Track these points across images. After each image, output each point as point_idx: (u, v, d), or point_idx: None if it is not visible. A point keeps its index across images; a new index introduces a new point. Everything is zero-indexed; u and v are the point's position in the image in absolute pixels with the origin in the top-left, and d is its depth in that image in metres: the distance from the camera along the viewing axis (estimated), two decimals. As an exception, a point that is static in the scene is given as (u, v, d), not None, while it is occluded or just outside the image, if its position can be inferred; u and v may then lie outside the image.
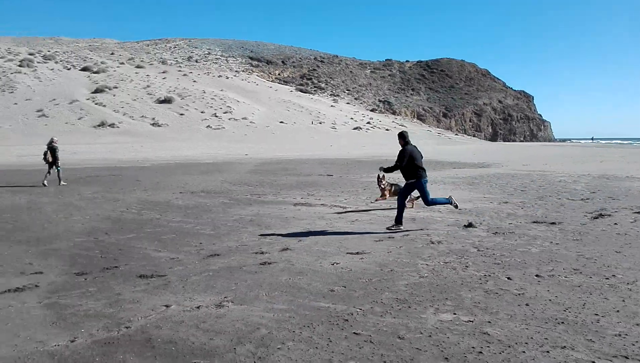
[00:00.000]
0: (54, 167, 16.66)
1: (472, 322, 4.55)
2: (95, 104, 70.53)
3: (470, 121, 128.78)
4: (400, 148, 9.03)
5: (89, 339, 4.28)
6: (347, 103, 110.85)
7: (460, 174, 21.81)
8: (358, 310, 4.87)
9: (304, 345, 4.07)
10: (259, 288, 5.60)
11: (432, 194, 9.63)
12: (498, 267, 6.43)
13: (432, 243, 7.88)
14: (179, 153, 38.24)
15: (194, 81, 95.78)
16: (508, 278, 5.91)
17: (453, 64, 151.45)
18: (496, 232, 8.75)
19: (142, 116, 68.58)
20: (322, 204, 12.13)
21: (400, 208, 8.99)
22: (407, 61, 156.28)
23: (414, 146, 9.16)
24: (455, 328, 4.40)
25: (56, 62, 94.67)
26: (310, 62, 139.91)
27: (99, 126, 60.81)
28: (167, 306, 5.06)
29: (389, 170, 9.23)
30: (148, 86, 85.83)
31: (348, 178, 19.30)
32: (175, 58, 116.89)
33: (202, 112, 75.40)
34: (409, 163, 8.87)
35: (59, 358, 3.93)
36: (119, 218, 10.32)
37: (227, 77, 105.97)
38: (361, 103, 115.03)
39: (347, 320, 4.60)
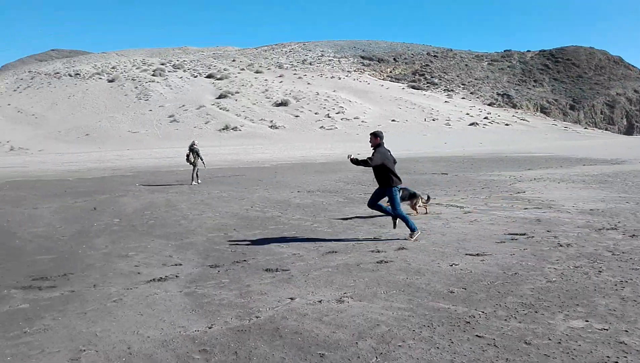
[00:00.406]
0: (196, 166, 18.33)
1: (607, 330, 4.24)
2: (220, 109, 75.71)
3: (601, 113, 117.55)
4: (373, 148, 8.19)
5: (224, 326, 4.69)
6: (462, 98, 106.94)
7: (591, 171, 20.08)
8: (480, 312, 4.76)
9: (424, 344, 4.10)
10: (376, 285, 5.71)
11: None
12: (636, 273, 5.88)
13: (561, 245, 7.40)
14: (295, 153, 39.72)
15: (308, 83, 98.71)
16: (649, 286, 5.39)
17: (581, 52, 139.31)
18: (634, 235, 7.97)
19: (261, 119, 72.23)
20: (437, 204, 11.92)
21: (404, 216, 8.19)
22: (528, 51, 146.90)
23: (387, 150, 8.22)
24: (588, 336, 4.13)
25: (184, 71, 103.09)
26: (423, 57, 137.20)
27: (223, 129, 65.19)
28: (291, 299, 5.36)
29: (356, 162, 8.01)
30: (266, 90, 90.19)
31: (464, 176, 18.71)
32: (290, 62, 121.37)
33: (315, 114, 77.48)
34: (382, 167, 8.04)
35: (199, 343, 4.36)
36: (245, 215, 11.05)
37: (340, 78, 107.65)
38: (477, 98, 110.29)
39: (468, 322, 4.53)
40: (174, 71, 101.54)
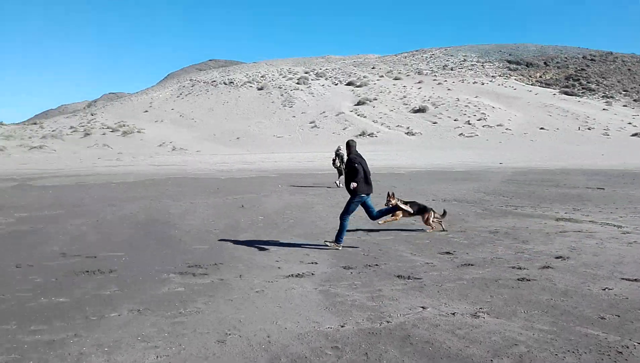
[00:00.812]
0: (341, 171, 19.02)
1: None
2: (357, 115, 77.14)
3: None
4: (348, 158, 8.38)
5: (356, 327, 4.81)
6: (624, 106, 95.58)
7: None
8: (635, 343, 4.27)
9: (568, 370, 3.80)
10: (516, 303, 5.40)
11: None
12: None
13: None
14: (430, 161, 38.93)
15: (448, 89, 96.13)
16: None
17: None
18: None
19: (398, 126, 72.05)
20: (590, 221, 10.84)
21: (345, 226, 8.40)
22: None
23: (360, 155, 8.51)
24: None
25: (326, 79, 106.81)
26: (578, 61, 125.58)
27: (359, 135, 66.28)
28: (423, 307, 5.31)
29: (348, 186, 8.43)
30: (404, 97, 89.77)
31: (624, 193, 16.72)
32: (430, 68, 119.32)
33: (455, 120, 75.13)
34: (352, 175, 8.24)
35: (331, 339, 4.54)
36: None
37: (483, 83, 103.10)
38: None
39: (620, 352, 4.09)
40: (317, 79, 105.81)
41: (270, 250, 8.27)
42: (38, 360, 4.12)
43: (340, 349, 4.32)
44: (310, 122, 73.65)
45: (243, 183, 20.94)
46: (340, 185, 18.80)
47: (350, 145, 8.71)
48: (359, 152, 8.77)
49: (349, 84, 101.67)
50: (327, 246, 8.39)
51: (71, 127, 70.91)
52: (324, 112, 78.76)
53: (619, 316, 4.96)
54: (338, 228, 8.50)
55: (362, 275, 6.65)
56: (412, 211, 9.82)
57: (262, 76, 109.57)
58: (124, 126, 70.21)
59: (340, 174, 19.01)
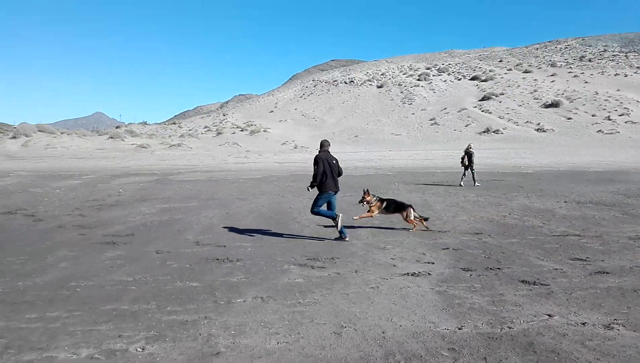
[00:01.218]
0: (469, 170, 18.96)
1: None
2: (482, 111, 73.74)
3: None
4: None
5: (474, 330, 4.67)
6: None
7: None
8: None
9: None
10: (660, 318, 4.84)
11: None
12: None
13: None
14: (563, 159, 35.94)
15: (585, 82, 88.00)
16: None
17: None
18: None
19: (527, 122, 67.60)
20: None
21: (324, 215, 8.96)
22: None
23: (333, 158, 9.07)
24: None
25: (448, 74, 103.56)
26: None
27: (483, 132, 63.36)
28: (549, 315, 4.98)
29: (312, 186, 9.06)
30: (535, 91, 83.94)
31: None
32: (565, 59, 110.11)
33: (592, 116, 68.57)
34: (323, 174, 8.83)
35: (448, 341, 4.45)
36: (502, 222, 10.60)
37: (626, 75, 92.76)
38: None
39: None
40: (439, 75, 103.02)
41: (386, 247, 8.28)
42: (173, 338, 4.58)
43: (457, 351, 4.23)
44: (430, 120, 71.95)
45: (360, 180, 21.13)
46: (477, 184, 18.50)
47: (322, 144, 9.22)
48: (329, 153, 9.20)
49: (473, 78, 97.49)
50: (342, 237, 8.84)
51: (205, 127, 77.00)
52: (445, 108, 76.47)
53: None
54: (324, 216, 9.04)
55: (482, 278, 6.40)
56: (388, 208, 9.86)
57: (382, 74, 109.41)
58: (251, 125, 74.59)
59: (466, 170, 18.89)
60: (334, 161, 9.12)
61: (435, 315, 5.11)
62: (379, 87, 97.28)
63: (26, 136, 52.99)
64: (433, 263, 7.20)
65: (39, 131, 55.81)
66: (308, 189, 9.11)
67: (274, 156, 43.23)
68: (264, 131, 70.61)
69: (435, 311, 5.20)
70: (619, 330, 4.57)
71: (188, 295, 5.81)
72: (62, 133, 58.04)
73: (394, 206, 9.95)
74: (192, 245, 8.50)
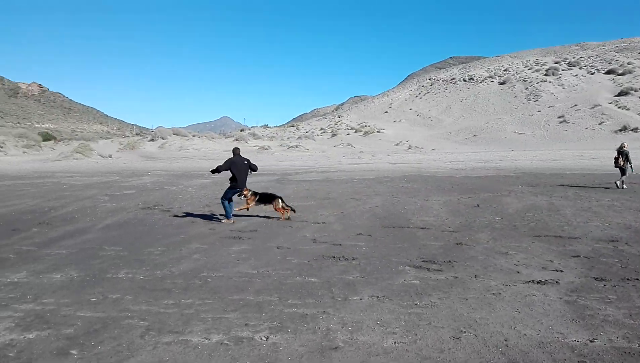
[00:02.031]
0: (625, 170, 17.38)
1: None
2: (618, 107, 66.84)
3: None
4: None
5: (608, 344, 4.31)
6: None
7: None
8: None
9: None
10: None
11: None
12: None
13: None
14: None
15: None
16: None
17: None
18: None
19: (674, 118, 59.98)
20: None
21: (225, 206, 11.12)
22: None
23: (244, 160, 11.44)
24: None
25: (580, 68, 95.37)
26: None
27: (620, 130, 57.43)
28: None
29: (213, 171, 11.50)
30: (684, 83, 74.16)
31: None
32: None
33: None
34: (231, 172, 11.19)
35: (578, 353, 4.16)
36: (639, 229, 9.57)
37: None
38: None
39: None
40: (569, 69, 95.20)
41: (508, 252, 7.90)
42: (294, 330, 4.81)
43: (588, 365, 3.94)
44: (559, 117, 66.74)
45: (479, 181, 20.30)
46: (625, 186, 16.92)
47: (233, 151, 11.63)
48: (240, 156, 11.52)
49: (608, 72, 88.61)
50: (221, 220, 11.15)
51: (321, 129, 79.03)
52: (575, 105, 70.47)
53: None
54: (225, 209, 11.12)
55: (618, 289, 5.86)
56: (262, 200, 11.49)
57: (504, 70, 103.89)
58: (365, 126, 75.07)
59: (623, 173, 17.25)
60: (245, 163, 11.42)
61: (563, 325, 4.79)
62: (501, 83, 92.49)
63: (162, 139, 58.46)
64: (562, 271, 6.73)
65: (173, 134, 61.27)
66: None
67: (387, 157, 43.06)
68: (378, 131, 70.63)
69: (564, 322, 4.88)
70: None
71: (307, 289, 6.06)
72: (193, 136, 63.18)
73: (266, 198, 11.55)
74: (309, 242, 8.83)
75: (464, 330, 4.72)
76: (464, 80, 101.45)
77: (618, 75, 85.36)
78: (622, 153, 17.31)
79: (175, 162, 40.18)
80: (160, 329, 4.89)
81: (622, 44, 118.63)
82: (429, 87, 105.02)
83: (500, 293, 5.79)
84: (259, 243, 8.80)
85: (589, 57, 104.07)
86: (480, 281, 6.32)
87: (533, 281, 6.28)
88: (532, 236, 9.13)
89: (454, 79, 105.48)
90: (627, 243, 8.40)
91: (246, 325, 4.95)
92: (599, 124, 61.34)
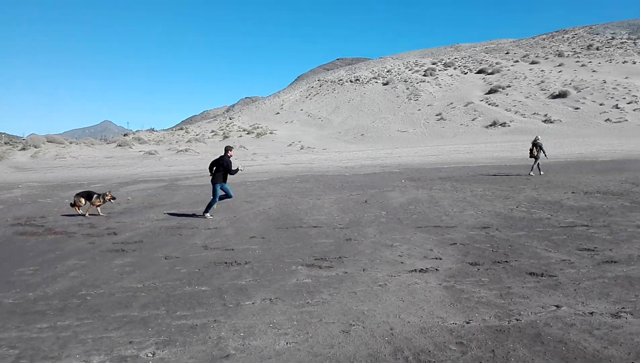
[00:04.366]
0: (537, 159, 19.77)
1: None
2: (488, 104, 73.38)
3: None
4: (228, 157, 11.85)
5: (482, 324, 4.68)
6: None
7: None
8: None
9: None
10: (669, 306, 4.83)
11: None
12: None
13: None
14: (571, 149, 35.71)
15: (593, 71, 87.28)
16: None
17: None
18: None
19: (534, 113, 67.19)
20: None
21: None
22: None
23: (221, 157, 11.84)
24: None
25: (454, 68, 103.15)
26: None
27: (490, 126, 63.06)
28: (557, 306, 4.99)
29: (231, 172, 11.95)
30: (542, 82, 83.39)
31: None
32: (573, 49, 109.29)
33: (600, 105, 67.99)
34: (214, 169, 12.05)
35: (456, 335, 4.47)
36: (509, 215, 10.59)
37: (634, 62, 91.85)
38: None
39: None
40: (445, 70, 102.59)
41: (393, 244, 8.30)
42: (183, 343, 4.64)
43: (465, 345, 4.25)
44: (437, 115, 71.70)
45: (367, 178, 21.14)
46: (542, 173, 19.46)
47: (225, 149, 12.09)
48: (223, 156, 11.86)
49: (479, 72, 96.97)
50: (205, 216, 11.97)
51: (212, 131, 77.32)
52: (451, 103, 76.17)
53: None
54: (210, 205, 12.10)
55: (490, 272, 6.41)
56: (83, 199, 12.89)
57: (387, 71, 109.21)
58: (257, 128, 74.83)
59: (536, 161, 19.70)
60: (221, 161, 11.81)
61: (443, 310, 5.13)
62: (384, 84, 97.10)
63: (35, 147, 53.47)
64: (441, 259, 7.21)
65: (48, 141, 56.29)
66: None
67: (281, 158, 43.32)
68: (270, 133, 70.76)
69: (443, 307, 5.22)
70: (626, 318, 4.57)
71: (197, 299, 5.87)
72: (70, 143, 58.52)
73: (86, 196, 12.89)
74: (200, 250, 8.57)
75: (353, 324, 4.87)
76: (351, 81, 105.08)
77: (488, 74, 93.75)
78: (536, 144, 19.65)
79: (50, 172, 36.93)
80: (33, 356, 4.45)
81: (491, 45, 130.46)
82: (318, 88, 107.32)
83: (386, 284, 6.07)
84: (145, 254, 8.36)
85: (462, 58, 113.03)
86: (368, 274, 6.57)
87: (415, 270, 6.65)
88: (414, 228, 9.68)
89: (341, 80, 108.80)
90: (497, 229, 9.22)
91: (130, 342, 4.67)
92: (472, 120, 66.89)
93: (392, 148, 50.50)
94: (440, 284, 6.00)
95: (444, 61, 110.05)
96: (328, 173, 25.51)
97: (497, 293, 5.55)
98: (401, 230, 9.60)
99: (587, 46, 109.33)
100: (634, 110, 64.12)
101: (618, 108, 65.45)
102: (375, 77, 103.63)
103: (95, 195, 12.95)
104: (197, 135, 74.71)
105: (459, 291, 5.68)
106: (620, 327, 4.38)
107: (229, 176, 12.10)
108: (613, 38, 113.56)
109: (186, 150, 56.38)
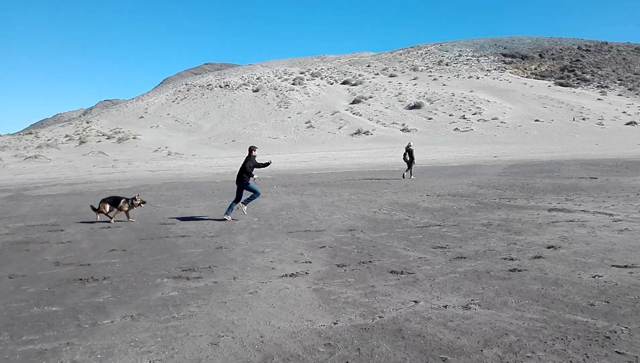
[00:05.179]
0: (411, 164, 21.36)
1: None
2: (353, 114, 77.20)
3: None
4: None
5: (349, 323, 4.84)
6: (619, 95, 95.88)
7: None
8: (623, 328, 4.32)
9: (556, 357, 3.84)
10: (507, 294, 5.44)
11: None
12: None
13: None
14: (426, 156, 38.97)
15: (444, 85, 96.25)
16: None
17: None
18: None
19: (393, 123, 72.15)
20: (582, 211, 10.91)
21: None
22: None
23: (247, 157, 11.78)
24: None
25: (321, 78, 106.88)
26: (573, 52, 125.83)
27: (355, 134, 66.33)
28: (415, 302, 5.35)
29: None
30: (399, 94, 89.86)
31: (617, 181, 16.80)
32: (425, 64, 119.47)
33: (450, 115, 75.25)
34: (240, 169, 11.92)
35: (324, 337, 4.56)
36: (373, 218, 11.19)
37: (478, 78, 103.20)
38: (637, 94, 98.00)
39: (608, 337, 4.15)
40: (312, 79, 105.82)
41: (265, 251, 8.29)
42: (31, 369, 4.13)
43: (332, 346, 4.35)
44: (306, 123, 73.65)
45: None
46: (413, 177, 20.97)
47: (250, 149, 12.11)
48: (248, 156, 11.87)
49: (344, 83, 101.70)
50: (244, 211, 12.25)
51: (66, 136, 70.82)
52: (319, 112, 78.78)
53: (608, 302, 5.02)
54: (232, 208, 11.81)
55: (355, 272, 6.68)
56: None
57: (257, 78, 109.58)
58: (119, 132, 70.20)
59: (409, 166, 21.25)
60: (247, 161, 11.69)
61: (312, 313, 5.21)
62: (254, 91, 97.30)
63: None
64: (310, 262, 7.35)
65: None
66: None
67: (146, 165, 41.14)
68: (134, 138, 66.87)
69: (312, 309, 5.31)
70: (475, 309, 5.05)
71: (47, 321, 5.28)
72: None
73: (114, 201, 11.94)
74: (51, 266, 7.74)
75: (222, 335, 4.73)
76: (220, 86, 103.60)
77: (352, 85, 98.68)
78: (409, 151, 21.29)
79: None
80: None
81: (354, 58, 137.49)
82: (186, 92, 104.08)
83: (257, 292, 6.01)
84: (-17, 275, 7.33)
85: (328, 69, 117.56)
86: (238, 282, 6.46)
87: (286, 275, 6.70)
88: (285, 233, 9.78)
89: (210, 85, 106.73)
90: (362, 231, 9.67)
91: (-39, 378, 4.03)
92: (339, 128, 69.82)
93: (264, 154, 50.71)
94: (310, 287, 6.10)
95: (311, 71, 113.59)
96: (198, 180, 24.80)
97: (363, 292, 5.79)
98: (273, 235, 9.63)
99: (438, 62, 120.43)
100: (478, 120, 71.96)
101: (465, 119, 72.98)
102: (245, 84, 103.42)
103: (122, 200, 11.88)
104: (48, 140, 67.90)
105: (328, 293, 5.82)
106: (470, 317, 4.82)
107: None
108: (460, 55, 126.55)
109: (36, 156, 51.01)
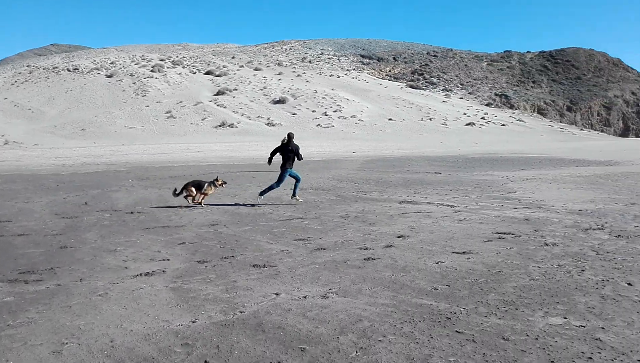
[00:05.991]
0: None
1: (584, 327, 4.31)
2: (217, 105, 75.65)
3: (598, 115, 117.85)
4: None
5: (208, 321, 4.71)
6: (460, 98, 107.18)
7: (583, 172, 20.18)
8: (462, 309, 4.81)
9: (404, 339, 4.14)
10: (362, 282, 5.75)
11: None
12: (618, 272, 5.96)
13: (547, 245, 7.46)
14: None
15: (307, 81, 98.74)
16: (628, 284, 5.49)
17: (580, 53, 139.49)
18: (619, 235, 8.05)
19: (258, 116, 72.25)
20: (428, 203, 11.97)
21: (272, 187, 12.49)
22: (528, 52, 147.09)
23: (286, 145, 12.27)
24: (565, 333, 4.19)
25: (183, 67, 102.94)
26: (423, 57, 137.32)
27: (219, 126, 65.14)
28: (277, 294, 5.39)
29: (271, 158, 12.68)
30: (265, 88, 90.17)
31: (458, 176, 18.78)
32: (290, 60, 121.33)
33: (313, 111, 77.52)
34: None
35: (181, 336, 4.38)
36: (237, 212, 11.08)
37: (339, 76, 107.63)
38: (475, 98, 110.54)
39: (449, 318, 4.58)
40: (173, 67, 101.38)
41: (117, 249, 7.73)
42: None
43: (190, 345, 4.19)
44: (166, 112, 70.43)
45: (88, 178, 19.32)
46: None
47: (289, 136, 12.48)
48: (289, 143, 12.31)
49: (207, 73, 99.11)
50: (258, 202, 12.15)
51: None
52: (181, 101, 75.84)
53: (449, 286, 5.55)
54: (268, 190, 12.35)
55: (217, 268, 6.54)
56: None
57: (111, 63, 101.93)
58: (-60, 116, 60.50)
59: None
60: (290, 147, 12.21)
61: (169, 312, 4.98)
62: (108, 76, 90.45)
63: None
64: (168, 260, 7.02)
65: None
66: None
67: (-24, 154, 36.02)
68: (-39, 124, 58.13)
69: (169, 309, 5.07)
70: (332, 298, 5.24)
71: None
72: None
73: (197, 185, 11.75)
74: None
75: (66, 342, 4.29)
76: (69, 70, 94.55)
77: (216, 76, 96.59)
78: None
79: None
80: None
81: (218, 48, 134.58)
82: (28, 75, 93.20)
83: (107, 293, 5.57)
84: None
85: (190, 58, 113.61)
86: (86, 284, 5.92)
87: (141, 274, 6.31)
88: (141, 229, 9.23)
89: (57, 68, 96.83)
90: (225, 226, 9.50)
91: None
92: (202, 120, 67.97)
93: (118, 145, 47.37)
94: (167, 286, 5.82)
95: (172, 59, 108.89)
96: (40, 172, 22.35)
97: (224, 288, 5.68)
98: (127, 232, 9.01)
99: (302, 58, 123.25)
100: (338, 117, 75.16)
101: (327, 115, 75.75)
102: (97, 68, 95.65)
103: (206, 184, 11.76)
104: None
105: (186, 291, 5.61)
106: (328, 306, 5.00)
107: None
108: (322, 53, 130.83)
109: None
